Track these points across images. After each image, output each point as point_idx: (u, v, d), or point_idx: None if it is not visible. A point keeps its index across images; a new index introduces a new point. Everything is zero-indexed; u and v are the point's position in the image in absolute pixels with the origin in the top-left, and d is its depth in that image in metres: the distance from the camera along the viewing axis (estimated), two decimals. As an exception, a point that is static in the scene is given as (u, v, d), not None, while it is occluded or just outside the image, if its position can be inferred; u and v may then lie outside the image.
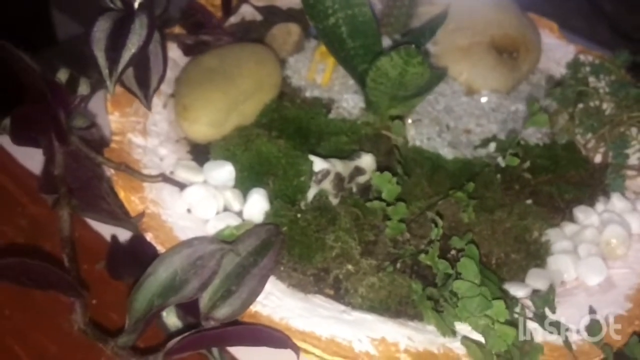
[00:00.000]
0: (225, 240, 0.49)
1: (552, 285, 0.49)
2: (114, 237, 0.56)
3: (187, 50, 0.66)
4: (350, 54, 0.59)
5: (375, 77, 0.55)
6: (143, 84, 0.54)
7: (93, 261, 0.55)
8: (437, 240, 0.47)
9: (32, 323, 0.58)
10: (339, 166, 0.53)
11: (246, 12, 0.76)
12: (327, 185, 0.53)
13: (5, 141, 0.75)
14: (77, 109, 0.54)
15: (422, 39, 0.59)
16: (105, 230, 0.58)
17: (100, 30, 0.52)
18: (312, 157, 0.52)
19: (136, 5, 0.56)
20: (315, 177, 0.52)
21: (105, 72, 0.50)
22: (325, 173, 0.52)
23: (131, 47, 0.51)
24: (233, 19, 0.74)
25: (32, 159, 0.73)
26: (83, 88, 0.54)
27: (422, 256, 0.47)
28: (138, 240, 0.54)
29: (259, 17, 0.76)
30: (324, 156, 0.55)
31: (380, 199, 0.52)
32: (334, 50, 0.60)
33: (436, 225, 0.48)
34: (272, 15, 0.76)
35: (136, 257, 0.55)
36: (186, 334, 0.42)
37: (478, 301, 0.41)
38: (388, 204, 0.51)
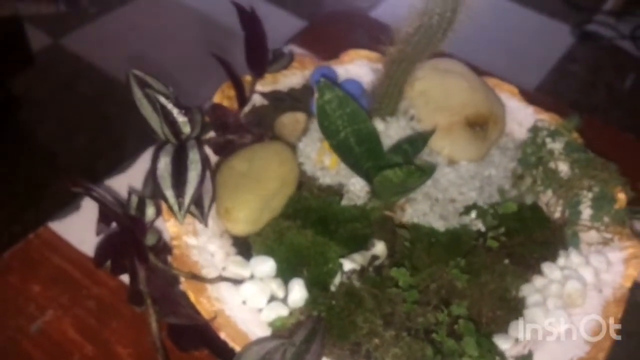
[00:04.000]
0: (280, 332, 0.64)
1: (531, 352, 0.64)
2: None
3: (217, 149, 0.79)
4: (358, 157, 0.73)
5: (381, 180, 0.69)
6: (198, 204, 0.67)
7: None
8: (444, 324, 0.62)
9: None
10: (360, 259, 0.68)
11: (255, 99, 0.88)
12: (353, 275, 0.67)
13: (60, 228, 0.87)
14: (149, 229, 0.67)
15: (417, 144, 0.73)
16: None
17: (162, 167, 0.65)
18: (341, 260, 0.66)
19: (184, 137, 0.68)
20: (345, 274, 0.66)
21: (175, 208, 0.63)
22: (353, 271, 0.66)
23: (192, 182, 0.64)
24: (246, 108, 0.86)
25: (84, 242, 0.86)
26: (150, 210, 0.67)
27: (434, 335, 0.62)
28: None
29: (265, 101, 0.89)
30: (345, 243, 0.70)
31: (396, 284, 0.67)
32: (344, 158, 0.73)
33: (442, 312, 0.63)
34: (278, 100, 0.88)
35: (195, 328, 0.69)
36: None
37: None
38: (403, 290, 0.66)
